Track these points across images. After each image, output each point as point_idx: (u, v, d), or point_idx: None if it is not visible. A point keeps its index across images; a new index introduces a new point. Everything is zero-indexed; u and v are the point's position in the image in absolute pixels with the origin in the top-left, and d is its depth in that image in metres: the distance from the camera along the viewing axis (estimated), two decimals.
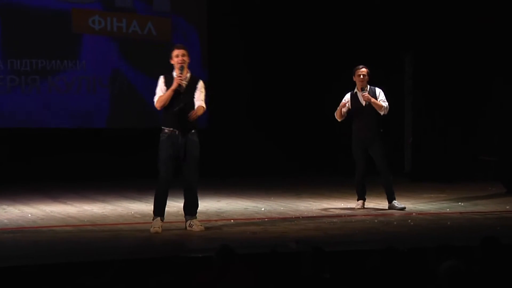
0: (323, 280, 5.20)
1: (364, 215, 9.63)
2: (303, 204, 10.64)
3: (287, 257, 6.35)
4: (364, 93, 9.99)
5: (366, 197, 10.26)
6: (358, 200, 10.23)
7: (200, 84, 8.47)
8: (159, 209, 8.42)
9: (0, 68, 13.36)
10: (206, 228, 8.54)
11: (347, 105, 10.10)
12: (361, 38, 14.32)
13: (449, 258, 5.09)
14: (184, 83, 8.34)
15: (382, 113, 10.06)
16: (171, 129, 8.33)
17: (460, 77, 13.72)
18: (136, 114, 13.88)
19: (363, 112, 10.06)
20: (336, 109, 10.16)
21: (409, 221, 9.08)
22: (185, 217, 8.50)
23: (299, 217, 9.42)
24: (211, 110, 14.21)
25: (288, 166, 14.25)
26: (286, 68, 14.54)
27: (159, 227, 8.28)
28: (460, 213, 9.78)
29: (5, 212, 9.94)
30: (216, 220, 9.21)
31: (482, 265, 5.29)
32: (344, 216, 9.56)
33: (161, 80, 8.41)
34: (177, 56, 8.34)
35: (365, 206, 10.20)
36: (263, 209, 10.21)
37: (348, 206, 10.34)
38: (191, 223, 8.41)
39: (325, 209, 10.16)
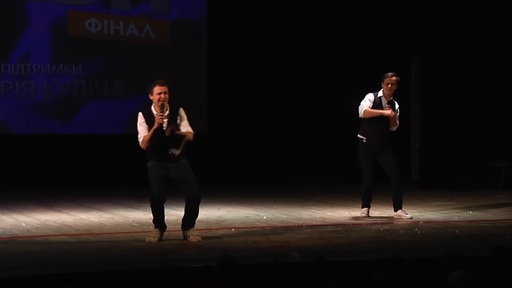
0: None
1: (369, 224, 9.61)
2: (306, 212, 10.62)
3: (290, 268, 6.34)
4: (388, 106, 10.00)
5: (371, 205, 10.24)
6: (362, 208, 10.21)
7: (181, 112, 8.54)
8: (158, 221, 8.45)
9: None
10: (206, 238, 8.52)
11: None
12: (367, 41, 14.32)
13: (457, 269, 5.06)
14: (165, 121, 8.36)
15: (393, 129, 10.18)
16: (157, 162, 8.41)
17: (469, 81, 13.70)
18: (133, 121, 13.84)
19: (381, 119, 10.07)
20: (365, 107, 9.99)
21: (416, 229, 9.06)
22: (183, 230, 8.50)
23: (302, 226, 9.40)
24: (210, 116, 14.27)
25: (291, 174, 14.22)
26: (288, 74, 14.53)
27: (154, 237, 8.31)
28: (469, 221, 9.76)
29: None
30: (216, 229, 9.19)
31: (492, 275, 5.26)
32: (349, 224, 9.55)
33: (141, 117, 8.41)
34: (159, 94, 8.33)
35: (370, 214, 10.17)
36: (265, 217, 10.20)
37: (353, 215, 10.32)
38: (188, 233, 8.43)
39: (329, 218, 10.14)
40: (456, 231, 8.93)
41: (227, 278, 5.31)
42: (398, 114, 10.21)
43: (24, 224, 9.62)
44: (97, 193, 12.52)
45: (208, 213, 10.52)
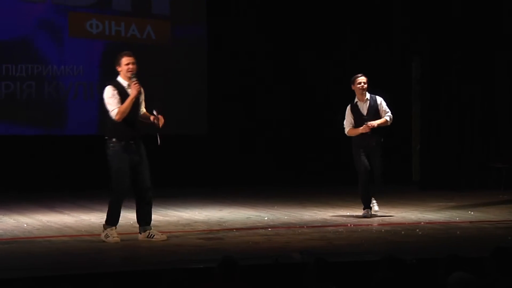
0: None
1: (370, 225, 9.61)
2: (307, 213, 10.63)
3: (291, 269, 6.34)
4: (369, 123, 10.01)
5: (371, 205, 10.25)
6: (364, 209, 10.21)
7: (143, 91, 8.50)
8: (116, 219, 8.36)
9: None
10: (208, 239, 8.53)
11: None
12: (367, 43, 14.32)
13: (458, 270, 5.07)
14: (142, 89, 8.36)
15: (388, 124, 10.22)
16: (125, 140, 8.24)
17: (469, 82, 13.69)
18: None
19: (364, 122, 10.11)
20: (346, 129, 10.18)
21: (417, 230, 9.07)
22: (142, 227, 8.39)
23: (303, 227, 9.40)
24: (211, 117, 14.27)
25: (292, 175, 14.23)
26: (288, 73, 14.52)
27: (118, 236, 8.25)
28: (470, 222, 9.76)
29: (0, 222, 9.93)
30: (217, 230, 9.20)
31: (492, 277, 5.26)
32: (350, 225, 9.55)
33: (112, 89, 8.27)
34: (128, 64, 8.30)
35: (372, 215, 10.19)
36: (266, 218, 10.20)
37: (354, 215, 10.32)
38: (151, 233, 8.35)
39: (330, 219, 10.15)
40: (458, 232, 8.94)
41: (228, 279, 5.31)
42: (384, 108, 10.19)
43: (25, 225, 9.63)
44: (98, 194, 12.48)
45: (209, 214, 10.53)
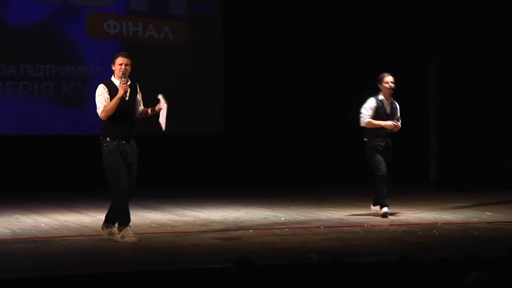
0: None
1: (387, 225, 9.59)
2: (324, 214, 10.62)
3: (307, 269, 6.33)
4: (398, 125, 10.18)
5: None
6: (382, 207, 10.22)
7: (138, 89, 8.56)
8: (128, 217, 8.42)
9: (13, 74, 13.43)
10: (224, 239, 8.53)
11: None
12: (383, 44, 14.28)
13: (475, 270, 5.05)
14: (128, 90, 8.38)
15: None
16: (118, 140, 8.30)
17: (485, 83, 13.63)
18: (148, 122, 13.89)
19: (386, 120, 10.19)
20: (367, 118, 10.18)
21: (435, 231, 9.04)
22: (106, 223, 8.42)
23: (320, 227, 9.39)
24: (227, 117, 14.28)
25: (309, 175, 14.22)
26: (305, 73, 14.51)
27: (133, 236, 8.30)
28: (487, 223, 9.72)
29: (18, 221, 9.98)
30: (234, 230, 9.20)
31: (509, 278, 5.24)
32: (367, 225, 9.53)
33: (103, 88, 8.37)
34: (121, 65, 8.37)
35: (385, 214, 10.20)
36: (282, 218, 10.19)
37: (371, 216, 10.30)
38: (124, 234, 8.35)
39: (347, 219, 10.13)
40: (475, 233, 8.90)
41: (243, 279, 5.31)
42: (399, 114, 10.33)
43: (43, 225, 9.68)
44: None
45: (226, 214, 10.54)
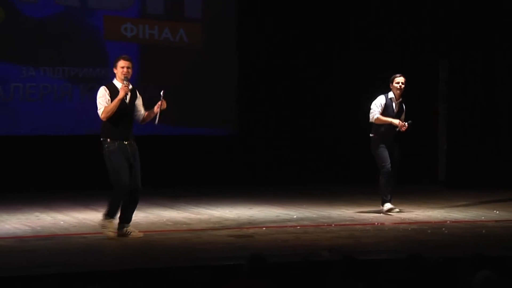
0: None
1: (397, 223, 9.55)
2: (335, 212, 10.59)
3: (319, 266, 6.31)
4: (406, 124, 10.23)
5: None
6: (385, 204, 10.27)
7: (138, 94, 8.58)
8: (116, 212, 8.40)
9: (32, 76, 13.45)
10: (238, 236, 8.52)
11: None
12: (395, 44, 14.23)
13: (483, 268, 5.01)
14: (129, 93, 8.40)
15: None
16: (118, 140, 8.35)
17: (494, 82, 13.56)
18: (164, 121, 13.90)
19: (404, 120, 10.33)
20: (377, 114, 10.25)
21: (444, 229, 8.99)
22: (123, 224, 8.42)
23: (331, 225, 9.37)
24: (242, 117, 14.26)
25: (321, 174, 14.17)
26: (321, 74, 14.46)
27: (112, 231, 8.33)
28: (496, 221, 9.67)
29: (38, 219, 10.00)
30: (247, 228, 9.18)
31: None
32: (377, 223, 9.49)
33: (104, 90, 8.41)
34: (123, 68, 8.38)
35: (395, 213, 10.19)
36: (295, 216, 10.17)
37: (381, 214, 10.27)
38: (129, 230, 8.39)
39: (358, 217, 10.10)
40: (483, 231, 8.85)
41: (257, 276, 5.29)
42: (404, 116, 10.42)
43: (62, 222, 9.69)
44: None
45: (239, 212, 10.53)
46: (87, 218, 10.04)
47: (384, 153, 10.24)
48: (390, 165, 10.20)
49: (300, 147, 14.38)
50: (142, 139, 13.71)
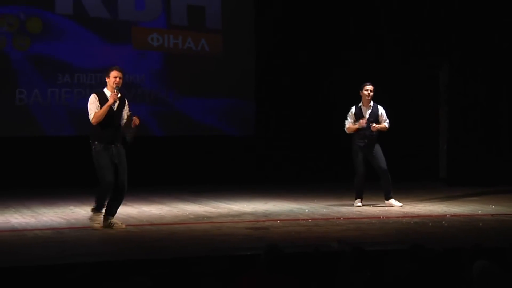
0: (364, 278, 5.11)
1: (401, 217, 9.51)
2: (344, 207, 10.56)
3: (329, 256, 6.29)
4: (374, 126, 10.32)
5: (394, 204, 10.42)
6: (357, 199, 10.50)
7: (127, 103, 8.61)
8: (102, 206, 8.47)
9: (68, 82, 13.50)
10: (254, 228, 8.51)
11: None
12: (395, 47, 14.11)
13: (481, 258, 4.98)
14: (117, 101, 8.42)
15: (385, 130, 10.51)
16: (105, 143, 8.40)
17: (495, 84, 13.44)
18: (187, 123, 13.94)
19: (369, 123, 10.40)
20: (346, 121, 10.44)
21: (444, 222, 8.96)
22: (107, 216, 8.49)
23: (340, 219, 9.35)
24: (258, 120, 14.24)
25: (330, 172, 14.13)
26: (333, 76, 14.38)
27: (99, 223, 8.41)
28: (491, 215, 9.62)
29: (72, 212, 10.04)
30: (263, 221, 9.17)
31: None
32: (383, 217, 9.46)
33: (95, 97, 8.45)
34: (115, 77, 8.41)
35: (397, 208, 10.24)
36: (307, 210, 10.16)
37: (386, 208, 10.24)
38: (112, 222, 8.48)
39: (365, 211, 10.08)
40: (480, 224, 8.81)
41: (273, 265, 5.27)
42: (385, 117, 10.45)
43: None
44: (158, 189, 12.59)
45: (256, 207, 10.52)
46: (119, 211, 10.03)
47: (358, 158, 10.41)
48: (363, 170, 10.36)
49: (312, 146, 14.32)
50: (168, 140, 13.87)
